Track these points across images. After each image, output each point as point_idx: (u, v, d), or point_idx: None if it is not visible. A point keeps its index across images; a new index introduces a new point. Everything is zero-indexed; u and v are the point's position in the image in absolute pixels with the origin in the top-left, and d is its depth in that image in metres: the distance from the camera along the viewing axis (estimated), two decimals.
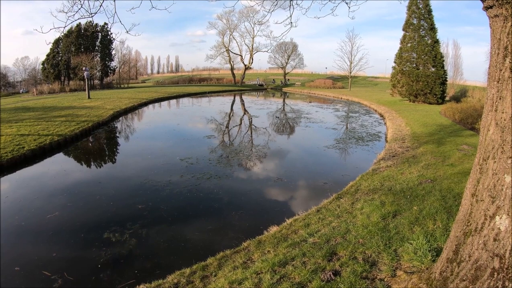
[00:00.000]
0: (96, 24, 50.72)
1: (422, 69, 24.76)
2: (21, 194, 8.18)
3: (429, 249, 3.34)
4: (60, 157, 11.98)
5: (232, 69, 58.14)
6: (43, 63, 57.55)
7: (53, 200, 7.56)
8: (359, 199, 5.79)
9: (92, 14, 3.97)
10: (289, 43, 55.73)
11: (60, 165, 11.15)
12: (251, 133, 15.26)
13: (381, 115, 20.54)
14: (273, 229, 4.95)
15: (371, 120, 18.81)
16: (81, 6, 3.96)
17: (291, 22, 4.67)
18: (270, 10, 4.50)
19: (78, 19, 4.03)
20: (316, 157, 10.90)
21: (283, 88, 51.30)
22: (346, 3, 4.57)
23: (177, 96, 35.07)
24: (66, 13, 3.95)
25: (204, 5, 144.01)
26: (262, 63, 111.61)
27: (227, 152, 11.29)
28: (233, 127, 17.55)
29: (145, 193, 7.50)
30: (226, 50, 55.62)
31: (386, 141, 12.60)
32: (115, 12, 4.04)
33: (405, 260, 3.31)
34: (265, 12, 4.53)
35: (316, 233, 4.49)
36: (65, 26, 4.04)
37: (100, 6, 3.94)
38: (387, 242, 3.81)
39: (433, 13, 24.65)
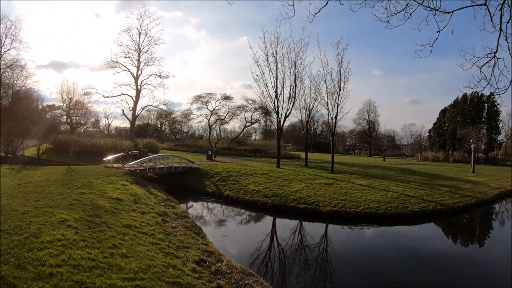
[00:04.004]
0: (482, 94, 49.60)
1: None
2: (393, 246, 10.08)
3: None
4: (435, 225, 12.84)
5: None
6: (429, 131, 63.01)
7: (420, 265, 8.52)
8: None
9: (501, 92, 4.35)
10: None
11: (436, 233, 12.21)
12: None
13: None
14: None
15: None
16: (488, 83, 4.43)
17: None
18: None
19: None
20: None
21: None
22: None
23: None
24: (472, 88, 4.78)
25: None
26: None
27: None
28: None
29: None
30: None
31: None
32: None
33: None
34: None
35: None
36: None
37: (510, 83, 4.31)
38: None
39: None
